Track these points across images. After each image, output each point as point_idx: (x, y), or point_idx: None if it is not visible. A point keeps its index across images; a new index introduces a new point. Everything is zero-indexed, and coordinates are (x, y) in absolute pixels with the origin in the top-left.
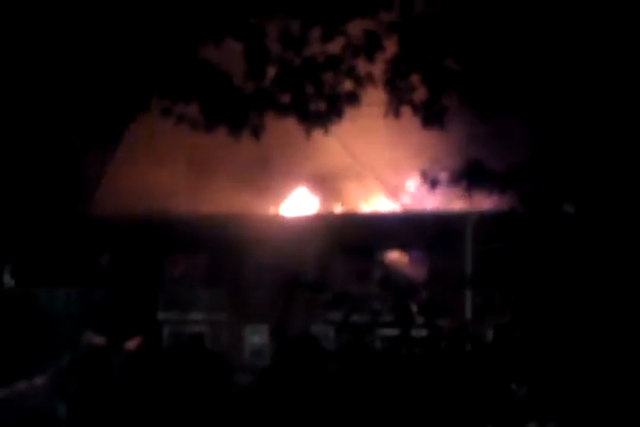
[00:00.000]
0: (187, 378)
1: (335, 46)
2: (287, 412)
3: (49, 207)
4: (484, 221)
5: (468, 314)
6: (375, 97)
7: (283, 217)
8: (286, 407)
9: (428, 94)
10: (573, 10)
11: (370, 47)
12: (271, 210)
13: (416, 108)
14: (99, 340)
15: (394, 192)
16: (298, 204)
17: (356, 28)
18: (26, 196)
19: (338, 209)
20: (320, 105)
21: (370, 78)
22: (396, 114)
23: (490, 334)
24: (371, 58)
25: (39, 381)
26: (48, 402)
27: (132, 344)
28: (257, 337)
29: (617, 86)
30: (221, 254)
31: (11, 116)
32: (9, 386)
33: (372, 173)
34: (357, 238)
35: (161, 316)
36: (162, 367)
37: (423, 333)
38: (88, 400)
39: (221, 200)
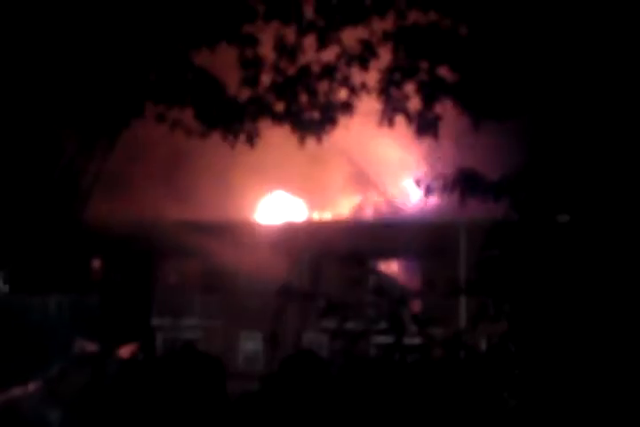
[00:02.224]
0: (182, 384)
1: (329, 55)
2: (283, 418)
3: (42, 214)
4: (478, 229)
5: (462, 322)
6: (370, 106)
7: (275, 224)
8: (282, 414)
9: (422, 103)
10: (566, 19)
11: (364, 56)
12: (261, 218)
13: (410, 118)
14: (91, 347)
15: (388, 199)
16: (290, 211)
17: (350, 36)
18: (19, 202)
19: (331, 216)
20: (314, 114)
21: (364, 87)
22: (390, 123)
23: (483, 343)
24: (365, 66)
25: (32, 387)
26: (40, 409)
27: (125, 351)
28: (251, 343)
29: (609, 98)
30: (215, 261)
31: (3, 122)
32: (1, 392)
33: (367, 181)
34: (351, 246)
35: (155, 322)
36: (156, 374)
37: (417, 340)
38: (82, 408)
39: (213, 207)
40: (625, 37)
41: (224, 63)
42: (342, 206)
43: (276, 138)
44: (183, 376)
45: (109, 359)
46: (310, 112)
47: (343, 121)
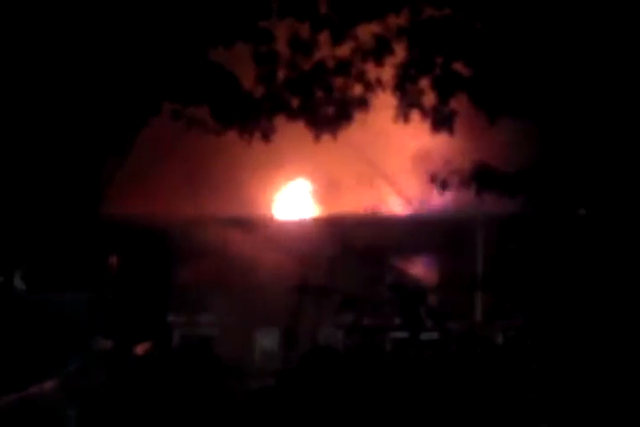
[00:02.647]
0: (192, 382)
1: (344, 51)
2: (300, 414)
3: (59, 211)
4: (495, 225)
5: (479, 317)
6: (385, 101)
7: (290, 220)
8: (300, 410)
9: (437, 98)
10: (582, 13)
11: (379, 51)
12: (277, 213)
13: (425, 113)
14: (108, 344)
15: (404, 195)
16: (305, 207)
17: (365, 32)
18: (36, 199)
19: (348, 212)
20: (329, 109)
21: (379, 83)
22: (406, 118)
23: (500, 337)
24: (380, 62)
25: (49, 385)
26: (58, 406)
27: (141, 348)
28: (267, 340)
29: (626, 88)
30: (230, 257)
31: (23, 120)
32: (19, 390)
33: (382, 175)
34: (367, 242)
35: (171, 319)
36: (170, 372)
37: (434, 335)
38: (98, 405)
39: (230, 203)
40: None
41: (239, 60)
42: (359, 202)
43: (293, 133)
44: (192, 375)
45: (126, 357)
46: (326, 108)
47: (359, 116)
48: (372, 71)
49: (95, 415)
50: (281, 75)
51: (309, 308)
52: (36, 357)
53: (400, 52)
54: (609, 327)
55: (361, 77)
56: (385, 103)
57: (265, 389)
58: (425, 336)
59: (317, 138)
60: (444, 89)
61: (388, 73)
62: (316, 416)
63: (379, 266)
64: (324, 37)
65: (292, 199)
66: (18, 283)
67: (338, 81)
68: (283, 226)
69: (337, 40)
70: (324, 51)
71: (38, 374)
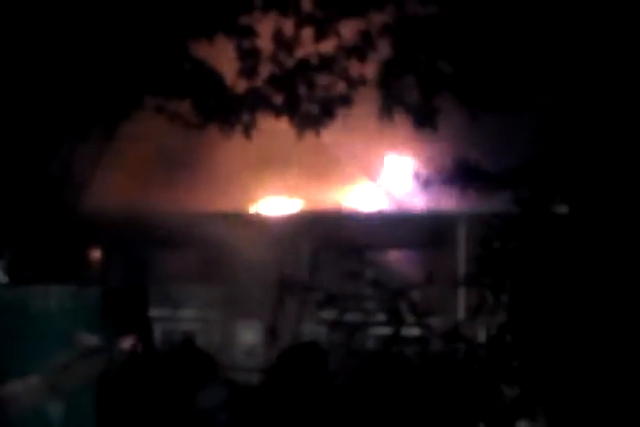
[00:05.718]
0: (179, 380)
1: (328, 47)
2: (281, 413)
3: (41, 204)
4: (478, 222)
5: (461, 314)
6: (367, 96)
7: (272, 216)
8: (281, 408)
9: (421, 96)
10: (566, 11)
11: (363, 48)
12: (259, 209)
13: (408, 110)
14: (92, 339)
15: (387, 192)
16: (287, 203)
17: (349, 28)
18: (17, 192)
19: (330, 208)
20: (312, 107)
21: (363, 80)
22: (390, 115)
23: (482, 334)
24: (364, 59)
25: (32, 380)
26: (41, 402)
27: (125, 344)
28: (249, 335)
29: (609, 86)
30: (212, 252)
31: (3, 114)
32: (1, 385)
33: (364, 172)
34: (350, 238)
35: (153, 313)
36: (155, 369)
37: (417, 331)
38: (84, 401)
39: (208, 199)
40: (620, 32)
41: (222, 55)
42: (341, 198)
43: (275, 130)
44: (179, 372)
45: (111, 352)
46: (309, 105)
47: (342, 114)
48: (355, 68)
49: (81, 412)
50: (264, 71)
51: (291, 303)
52: (19, 351)
53: (384, 49)
54: (591, 325)
55: (344, 74)
56: (368, 100)
57: (251, 385)
58: (408, 332)
59: (300, 135)
60: (428, 86)
61: (371, 70)
62: (301, 413)
63: (360, 262)
64: (307, 34)
65: (275, 195)
66: (0, 276)
67: (321, 78)
68: (265, 222)
69: (320, 36)
70: (308, 47)
71: (21, 368)
